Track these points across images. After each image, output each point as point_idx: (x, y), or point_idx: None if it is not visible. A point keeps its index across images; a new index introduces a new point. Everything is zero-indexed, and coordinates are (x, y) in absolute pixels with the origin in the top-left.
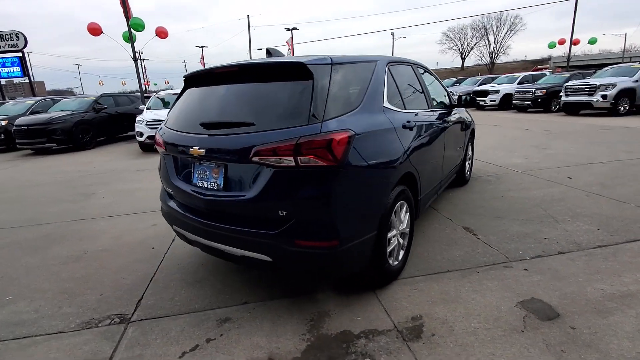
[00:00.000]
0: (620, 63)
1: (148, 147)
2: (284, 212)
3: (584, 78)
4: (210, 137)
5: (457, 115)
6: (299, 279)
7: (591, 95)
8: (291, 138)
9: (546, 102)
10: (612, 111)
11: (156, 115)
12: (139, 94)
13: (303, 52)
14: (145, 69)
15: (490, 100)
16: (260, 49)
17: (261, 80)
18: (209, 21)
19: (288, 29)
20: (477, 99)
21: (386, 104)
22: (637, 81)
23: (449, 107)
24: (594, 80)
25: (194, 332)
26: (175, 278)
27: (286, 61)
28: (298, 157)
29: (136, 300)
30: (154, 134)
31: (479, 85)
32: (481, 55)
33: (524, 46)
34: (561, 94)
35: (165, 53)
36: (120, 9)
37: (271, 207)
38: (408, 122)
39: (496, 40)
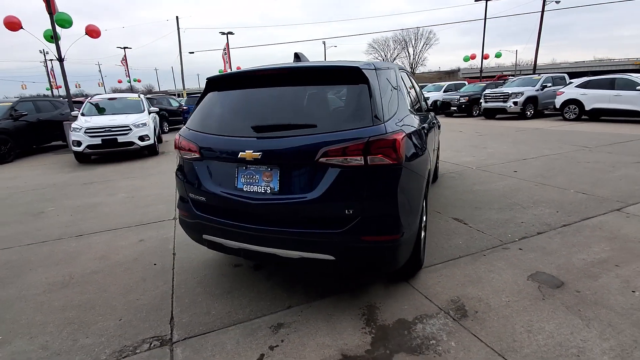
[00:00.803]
0: (513, 75)
1: (86, 157)
2: (351, 210)
3: (496, 87)
4: (265, 140)
5: (435, 118)
6: (329, 278)
7: (505, 102)
8: (360, 138)
9: (469, 108)
10: (521, 115)
11: (95, 122)
12: (64, 99)
13: (235, 57)
14: (52, 71)
15: None
16: (193, 52)
17: (313, 83)
18: (126, 21)
19: (223, 33)
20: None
21: (409, 106)
22: (538, 90)
23: (427, 110)
24: (506, 89)
25: (252, 343)
26: (199, 292)
27: (341, 65)
28: (367, 157)
29: (167, 319)
30: (96, 143)
31: (444, 92)
32: (403, 66)
33: (437, 58)
34: (481, 100)
35: (74, 54)
36: (43, 4)
37: (337, 206)
38: (420, 123)
39: (414, 52)
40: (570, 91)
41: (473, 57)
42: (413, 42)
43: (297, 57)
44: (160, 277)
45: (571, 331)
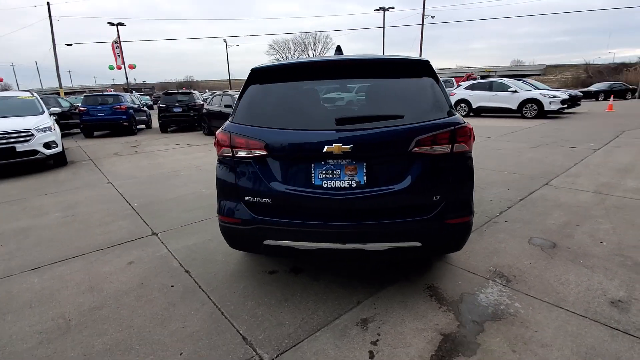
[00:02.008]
0: None
1: None
2: (437, 196)
3: None
4: (351, 133)
5: None
6: (376, 269)
7: None
8: (447, 127)
9: None
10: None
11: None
12: None
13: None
14: None
15: None
16: (70, 44)
17: (378, 75)
18: None
19: (112, 24)
20: None
21: None
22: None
23: None
24: None
25: (351, 343)
26: (253, 305)
27: (411, 58)
28: (454, 144)
29: (238, 341)
30: None
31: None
32: None
33: None
34: None
35: None
36: None
37: (426, 194)
38: None
39: (314, 54)
40: (461, 92)
41: None
42: (312, 45)
43: (340, 50)
44: (192, 299)
45: (588, 278)
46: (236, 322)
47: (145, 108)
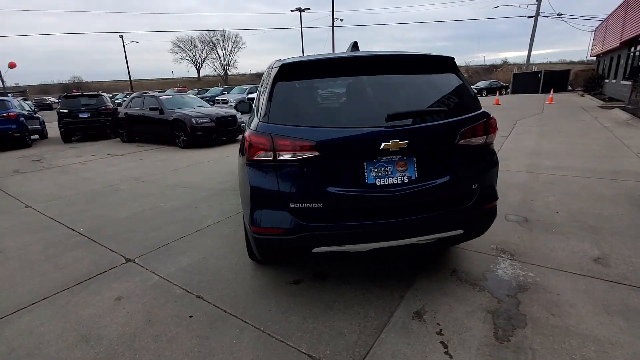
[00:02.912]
0: None
1: None
2: (476, 185)
3: None
4: (403, 128)
5: None
6: (396, 264)
7: None
8: (482, 119)
9: None
10: None
11: None
12: None
13: None
14: None
15: None
16: None
17: (407, 71)
18: None
19: None
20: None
21: None
22: None
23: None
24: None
25: (418, 338)
26: (298, 321)
27: (439, 55)
28: (487, 135)
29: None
30: None
31: (248, 94)
32: (214, 67)
33: (246, 61)
34: None
35: None
36: None
37: (468, 183)
38: None
39: (224, 54)
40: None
41: None
42: (222, 44)
43: (356, 46)
44: (225, 327)
45: (566, 243)
46: (292, 341)
47: (38, 115)
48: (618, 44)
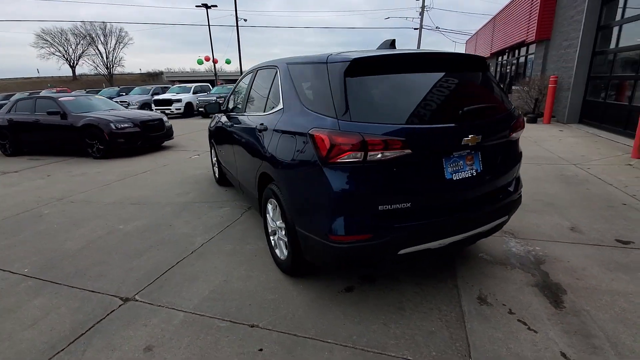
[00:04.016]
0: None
1: None
2: (515, 174)
3: None
4: (479, 124)
5: None
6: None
7: None
8: (519, 115)
9: None
10: None
11: None
12: None
13: None
14: None
15: (176, 109)
16: None
17: (459, 69)
18: None
19: None
20: (160, 107)
21: None
22: None
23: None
24: None
25: (499, 321)
26: (381, 328)
27: (479, 56)
28: (522, 129)
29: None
30: None
31: (152, 95)
32: (95, 65)
33: (133, 60)
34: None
35: None
36: None
37: (513, 173)
38: None
39: (107, 50)
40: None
41: (207, 59)
42: (103, 39)
43: (393, 45)
44: (306, 353)
45: (544, 219)
46: (391, 351)
47: None
48: (489, 54)
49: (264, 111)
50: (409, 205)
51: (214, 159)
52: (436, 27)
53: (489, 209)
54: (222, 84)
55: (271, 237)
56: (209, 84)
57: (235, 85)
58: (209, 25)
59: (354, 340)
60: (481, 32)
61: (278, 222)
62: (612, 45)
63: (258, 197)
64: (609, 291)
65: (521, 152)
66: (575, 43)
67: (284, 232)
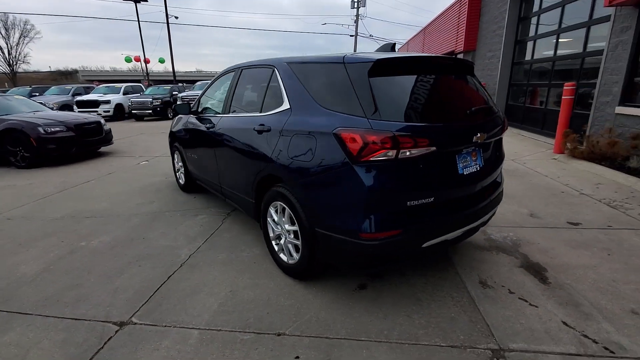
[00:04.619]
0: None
1: None
2: (501, 169)
3: (182, 91)
4: (483, 122)
5: None
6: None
7: None
8: (503, 117)
9: (164, 110)
10: None
11: None
12: None
13: None
14: None
15: (104, 111)
16: None
17: (463, 72)
18: None
19: None
20: (84, 110)
21: None
22: None
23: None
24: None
25: (505, 300)
26: (405, 319)
27: (470, 61)
28: (506, 130)
29: (489, 355)
30: None
31: (74, 96)
32: None
33: (43, 56)
34: (178, 102)
35: None
36: None
37: (500, 167)
38: None
39: (9, 45)
40: None
41: (137, 59)
42: (4, 32)
43: (393, 48)
44: (344, 353)
45: (510, 207)
46: (424, 340)
47: None
48: None
49: (261, 112)
50: (432, 199)
51: (179, 164)
52: (370, 35)
53: (489, 200)
54: (150, 84)
55: (274, 242)
56: (141, 84)
57: (207, 86)
58: (138, 21)
59: (387, 335)
60: (412, 42)
61: (287, 226)
62: (528, 57)
63: (255, 202)
64: (579, 266)
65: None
66: (498, 54)
67: (292, 236)
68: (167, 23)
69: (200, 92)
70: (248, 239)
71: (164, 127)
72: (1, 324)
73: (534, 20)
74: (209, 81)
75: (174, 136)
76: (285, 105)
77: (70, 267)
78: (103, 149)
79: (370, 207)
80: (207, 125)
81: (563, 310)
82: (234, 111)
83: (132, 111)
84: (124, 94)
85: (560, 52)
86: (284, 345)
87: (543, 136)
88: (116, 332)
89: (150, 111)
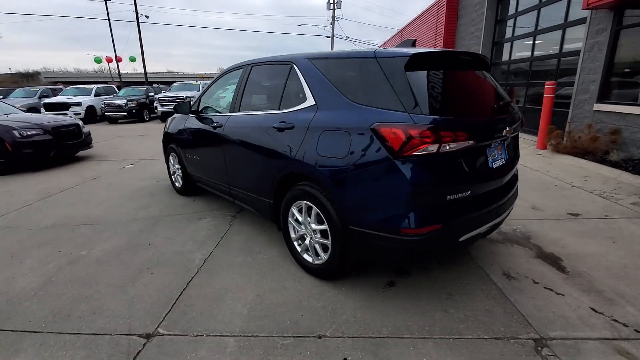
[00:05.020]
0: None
1: None
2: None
3: (157, 93)
4: (508, 116)
5: None
6: None
7: None
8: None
9: (139, 113)
10: None
11: None
12: None
13: None
14: None
15: (75, 114)
16: None
17: (485, 68)
18: None
19: None
20: (53, 113)
21: None
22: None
23: None
24: (182, 93)
25: (531, 290)
26: (442, 314)
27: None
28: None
29: (530, 346)
30: None
31: (40, 98)
32: None
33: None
34: (156, 104)
35: None
36: None
37: (517, 162)
38: None
39: None
40: None
41: (109, 60)
42: None
43: (414, 44)
44: (392, 352)
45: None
46: (467, 333)
47: None
48: None
49: (279, 109)
50: (468, 193)
51: (175, 167)
52: (346, 37)
53: (512, 194)
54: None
55: (295, 243)
56: (112, 86)
57: (209, 85)
58: (109, 19)
59: (429, 331)
60: (388, 43)
61: (313, 225)
62: (505, 58)
63: (273, 202)
64: (590, 254)
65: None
66: None
67: (319, 235)
68: (138, 22)
69: (178, 93)
70: (261, 240)
71: (141, 130)
72: (9, 345)
73: (510, 22)
74: (187, 82)
75: (169, 137)
76: (309, 101)
77: (74, 278)
78: (82, 153)
79: (412, 202)
80: (213, 124)
81: (588, 297)
82: (245, 109)
83: (106, 113)
84: (95, 95)
85: (537, 53)
86: (327, 348)
87: (524, 133)
88: (144, 345)
89: (125, 113)
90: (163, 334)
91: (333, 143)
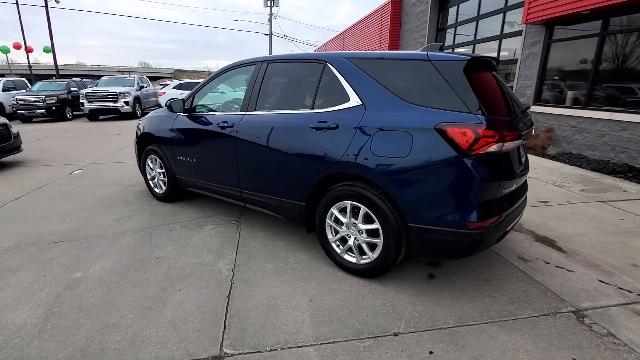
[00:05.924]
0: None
1: None
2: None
3: (81, 88)
4: (529, 117)
5: None
6: None
7: (115, 102)
8: None
9: (61, 110)
10: (132, 114)
11: None
12: None
13: None
14: None
15: None
16: None
17: (495, 70)
18: None
19: None
20: None
21: None
22: (138, 90)
23: None
24: (113, 89)
25: (553, 272)
26: (489, 299)
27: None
28: None
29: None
30: None
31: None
32: None
33: None
34: (82, 101)
35: None
36: None
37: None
38: None
39: None
40: (170, 92)
41: (17, 46)
42: None
43: (441, 48)
44: (469, 338)
45: None
46: (519, 315)
47: None
48: None
49: (313, 108)
50: (513, 187)
51: (157, 171)
52: (284, 35)
53: (526, 189)
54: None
55: (334, 245)
56: (24, 79)
57: (205, 81)
58: (17, 2)
59: (489, 316)
60: (330, 44)
61: (361, 225)
62: None
63: (307, 204)
64: (574, 234)
65: None
66: None
67: (366, 235)
68: (47, 7)
69: (110, 88)
70: (282, 244)
71: (67, 130)
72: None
73: (451, 31)
74: (119, 77)
75: (149, 138)
76: (354, 101)
77: (83, 304)
78: (9, 158)
79: (478, 197)
80: (220, 124)
81: (591, 271)
82: (264, 108)
83: (18, 111)
84: (3, 90)
85: None
86: (409, 344)
87: None
88: None
89: (44, 111)
90: (233, 354)
91: (391, 143)
